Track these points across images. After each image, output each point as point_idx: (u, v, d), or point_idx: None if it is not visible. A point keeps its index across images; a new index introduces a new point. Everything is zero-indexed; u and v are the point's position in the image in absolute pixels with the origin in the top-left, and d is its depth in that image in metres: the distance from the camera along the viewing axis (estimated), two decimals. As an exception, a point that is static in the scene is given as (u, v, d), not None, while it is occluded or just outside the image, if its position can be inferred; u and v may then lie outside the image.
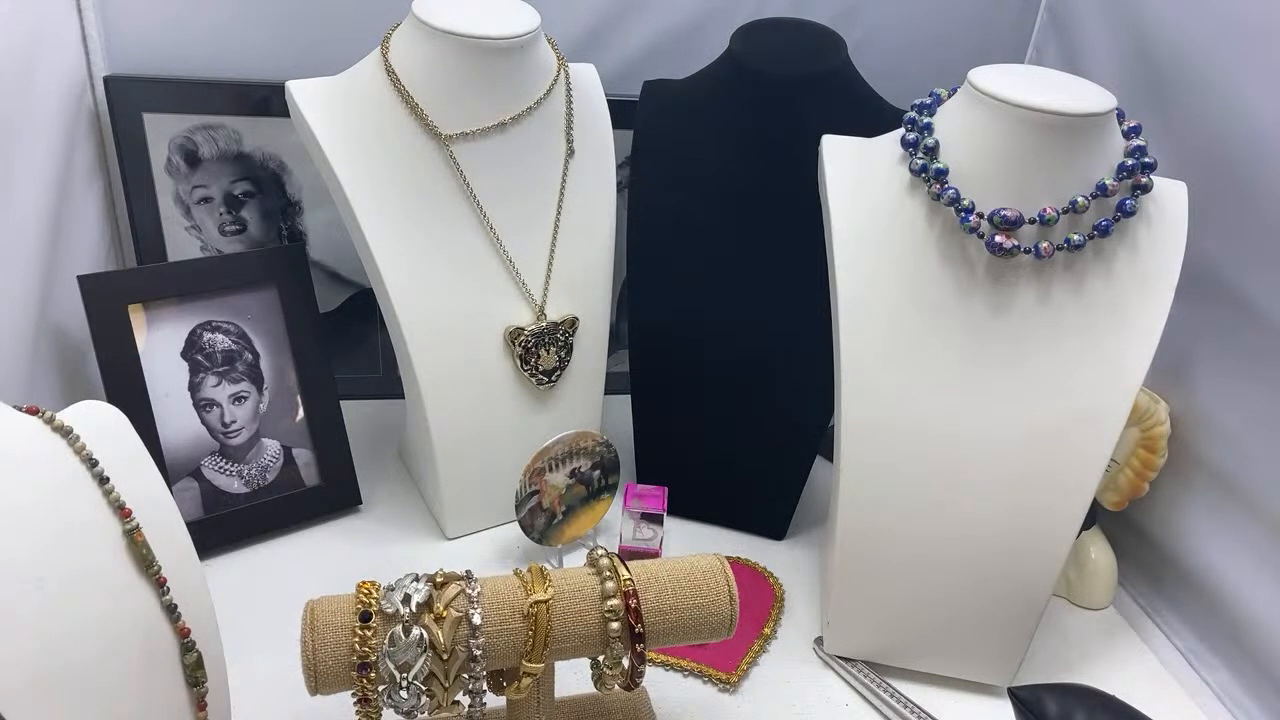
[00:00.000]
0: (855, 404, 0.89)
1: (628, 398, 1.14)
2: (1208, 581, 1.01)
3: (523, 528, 1.05)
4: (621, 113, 1.10)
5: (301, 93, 0.98)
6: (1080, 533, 0.93)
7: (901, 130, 0.89)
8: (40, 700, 0.54)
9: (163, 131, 1.15)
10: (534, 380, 1.05)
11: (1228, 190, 0.95)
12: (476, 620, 0.69)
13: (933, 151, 0.86)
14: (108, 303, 0.99)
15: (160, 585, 0.63)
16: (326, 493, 1.11)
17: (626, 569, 0.75)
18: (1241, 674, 0.97)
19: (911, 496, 0.89)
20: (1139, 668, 1.01)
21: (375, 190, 0.96)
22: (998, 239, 0.82)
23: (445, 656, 0.68)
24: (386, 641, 0.68)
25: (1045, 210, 0.82)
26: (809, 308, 0.99)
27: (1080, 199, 0.82)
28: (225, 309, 1.05)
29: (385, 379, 1.28)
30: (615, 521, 1.10)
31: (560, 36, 1.08)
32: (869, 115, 1.02)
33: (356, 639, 0.68)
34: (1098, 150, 0.83)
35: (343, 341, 1.27)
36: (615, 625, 0.72)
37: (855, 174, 0.92)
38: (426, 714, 0.70)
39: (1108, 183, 0.82)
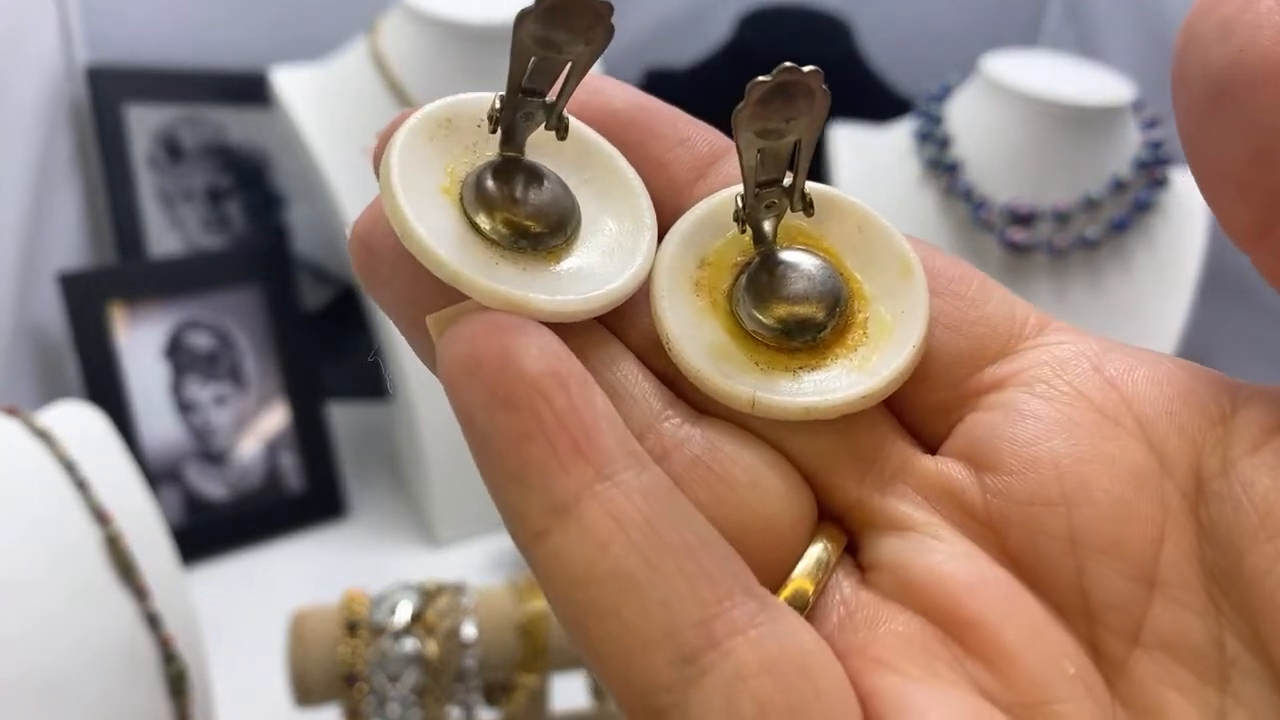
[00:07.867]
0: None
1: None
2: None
3: (516, 533, 1.02)
4: (620, 104, 1.08)
5: (285, 83, 0.95)
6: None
7: (911, 120, 0.87)
8: (15, 711, 0.52)
9: (145, 123, 1.12)
10: (528, 381, 1.03)
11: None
12: (469, 631, 0.68)
13: (945, 143, 0.84)
14: (88, 301, 0.97)
15: (141, 593, 0.61)
16: (312, 498, 1.08)
17: (627, 577, 0.73)
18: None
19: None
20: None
21: (362, 185, 0.94)
22: (1013, 235, 0.80)
23: (437, 669, 0.67)
24: (375, 653, 0.67)
25: (1059, 204, 0.80)
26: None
27: (1095, 193, 0.80)
28: (207, 307, 1.03)
29: (372, 380, 1.26)
30: (612, 527, 1.08)
31: (556, 24, 1.06)
32: (878, 104, 1.00)
33: (344, 650, 0.66)
34: (1115, 143, 0.81)
35: (328, 341, 1.25)
36: (616, 636, 0.70)
37: (864, 165, 0.90)
38: (418, 729, 0.69)
39: (1123, 177, 0.81)
